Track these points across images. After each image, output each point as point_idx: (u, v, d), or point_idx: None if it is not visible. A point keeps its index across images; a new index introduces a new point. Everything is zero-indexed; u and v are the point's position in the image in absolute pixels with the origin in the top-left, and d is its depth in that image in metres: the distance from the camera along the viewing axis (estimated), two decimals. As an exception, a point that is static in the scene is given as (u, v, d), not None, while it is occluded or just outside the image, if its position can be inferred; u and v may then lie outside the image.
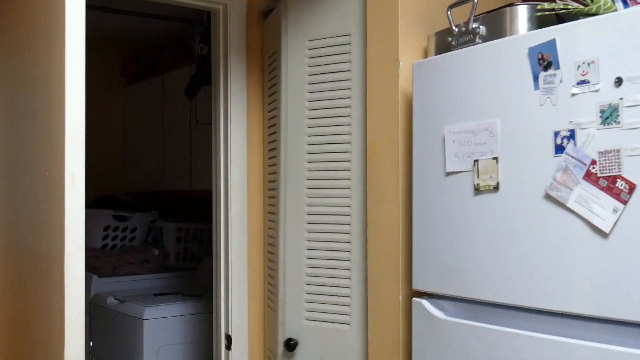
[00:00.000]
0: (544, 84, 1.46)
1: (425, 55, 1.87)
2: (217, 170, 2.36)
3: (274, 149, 2.37)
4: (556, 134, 1.44)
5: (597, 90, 1.37)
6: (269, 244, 2.43)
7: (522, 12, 1.59)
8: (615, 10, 1.44)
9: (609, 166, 1.35)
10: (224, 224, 2.45)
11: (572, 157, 1.41)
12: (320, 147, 2.17)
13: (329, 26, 2.15)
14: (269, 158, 2.44)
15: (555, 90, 1.45)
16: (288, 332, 2.21)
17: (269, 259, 2.43)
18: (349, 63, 2.09)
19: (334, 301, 2.14)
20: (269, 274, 2.43)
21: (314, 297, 2.17)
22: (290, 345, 2.19)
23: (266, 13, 2.49)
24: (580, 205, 1.40)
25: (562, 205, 1.43)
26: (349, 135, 2.10)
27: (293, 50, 2.22)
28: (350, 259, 2.09)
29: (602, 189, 1.36)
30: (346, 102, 2.10)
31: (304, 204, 2.19)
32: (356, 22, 2.08)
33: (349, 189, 2.11)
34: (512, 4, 1.62)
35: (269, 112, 2.43)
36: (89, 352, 3.27)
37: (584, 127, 1.39)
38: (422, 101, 1.76)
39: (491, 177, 1.57)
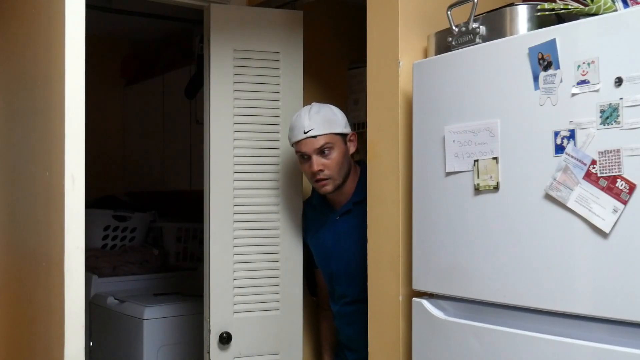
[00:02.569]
0: (544, 84, 1.46)
1: (425, 55, 1.87)
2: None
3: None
4: (556, 134, 1.44)
5: (597, 90, 1.37)
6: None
7: (522, 12, 1.59)
8: (615, 10, 1.44)
9: (609, 166, 1.35)
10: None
11: (572, 157, 1.41)
12: (247, 143, 2.39)
13: (256, 40, 2.40)
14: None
15: (555, 90, 1.45)
16: (218, 327, 2.36)
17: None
18: (278, 77, 2.42)
19: (263, 291, 2.43)
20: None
21: (242, 290, 2.39)
22: (224, 338, 2.35)
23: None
24: (580, 205, 1.40)
25: (562, 205, 1.43)
26: (277, 134, 2.43)
27: (218, 58, 2.38)
28: (279, 252, 2.44)
29: (602, 189, 1.36)
30: (275, 111, 2.42)
31: (231, 204, 2.39)
32: (284, 42, 2.42)
33: (277, 189, 2.44)
34: (512, 4, 1.62)
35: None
36: (89, 352, 3.27)
37: (584, 127, 1.39)
38: (422, 101, 1.76)
39: (491, 177, 1.57)
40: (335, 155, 2.19)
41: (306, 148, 2.19)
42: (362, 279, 2.21)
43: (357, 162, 2.34)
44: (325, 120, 2.19)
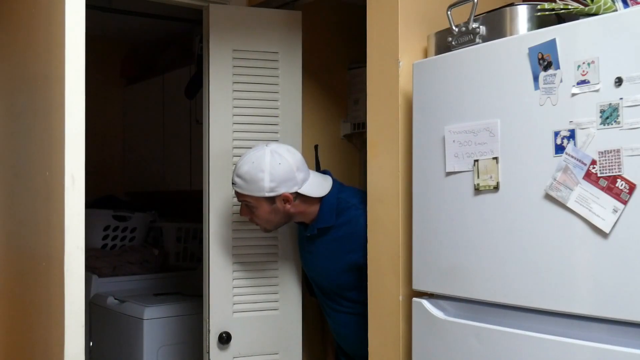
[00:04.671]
0: (544, 84, 1.46)
1: (425, 55, 1.87)
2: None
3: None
4: (556, 134, 1.44)
5: (597, 90, 1.37)
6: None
7: (522, 12, 1.59)
8: (615, 10, 1.44)
9: (609, 166, 1.35)
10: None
11: (572, 157, 1.41)
12: (246, 143, 2.37)
13: (255, 40, 2.40)
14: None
15: (555, 90, 1.45)
16: (217, 327, 2.36)
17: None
18: (277, 78, 2.41)
19: (262, 291, 2.43)
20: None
21: (242, 290, 2.39)
22: (223, 338, 2.34)
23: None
24: (580, 205, 1.40)
25: (562, 205, 1.43)
26: (277, 134, 2.42)
27: (217, 58, 2.37)
28: (278, 252, 2.43)
29: (602, 189, 1.36)
30: (274, 111, 2.42)
31: (231, 203, 2.37)
32: (283, 42, 2.42)
33: None
34: (512, 4, 1.62)
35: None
36: (89, 352, 3.27)
37: (584, 127, 1.39)
38: (422, 101, 1.76)
39: (491, 177, 1.57)
40: (259, 212, 2.14)
41: (235, 193, 2.19)
42: (329, 295, 2.27)
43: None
44: (247, 181, 2.09)
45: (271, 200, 2.11)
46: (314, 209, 2.18)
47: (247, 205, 2.14)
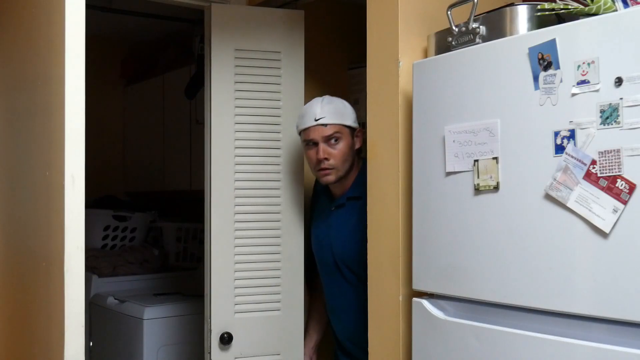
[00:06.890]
0: (544, 84, 1.46)
1: (425, 55, 1.87)
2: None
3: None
4: (556, 134, 1.44)
5: (597, 90, 1.37)
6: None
7: (522, 12, 1.60)
8: (615, 10, 1.44)
9: (609, 166, 1.35)
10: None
11: (572, 157, 1.41)
12: (248, 142, 2.39)
13: (257, 40, 2.41)
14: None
15: (555, 90, 1.45)
16: (219, 327, 2.36)
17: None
18: (279, 77, 2.43)
19: (264, 291, 2.43)
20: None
21: (243, 290, 2.40)
22: (225, 339, 2.36)
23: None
24: (580, 205, 1.40)
25: (562, 205, 1.43)
26: (279, 134, 2.43)
27: (219, 58, 2.38)
28: (281, 252, 2.44)
29: (602, 189, 1.36)
30: (277, 111, 2.43)
31: (232, 203, 2.39)
32: (286, 41, 2.43)
33: (278, 189, 2.44)
34: (512, 4, 1.62)
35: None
36: (89, 352, 3.27)
37: (584, 127, 1.39)
38: (422, 101, 1.76)
39: (491, 177, 1.57)
40: (342, 146, 2.22)
41: (315, 135, 2.22)
42: (337, 269, 2.25)
43: (362, 159, 2.35)
44: (336, 110, 2.23)
45: (352, 133, 2.25)
46: (354, 173, 2.28)
47: (329, 142, 2.20)
